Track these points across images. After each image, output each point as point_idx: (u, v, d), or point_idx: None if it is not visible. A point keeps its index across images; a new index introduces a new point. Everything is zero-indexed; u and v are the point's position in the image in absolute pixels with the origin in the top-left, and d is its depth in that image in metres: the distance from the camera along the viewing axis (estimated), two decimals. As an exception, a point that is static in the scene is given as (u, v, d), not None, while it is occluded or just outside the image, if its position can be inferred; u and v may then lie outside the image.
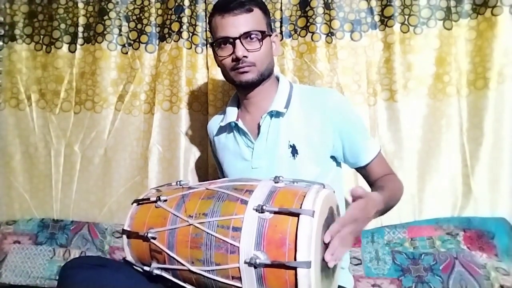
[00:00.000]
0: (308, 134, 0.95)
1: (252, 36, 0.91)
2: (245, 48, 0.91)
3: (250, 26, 0.91)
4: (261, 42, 0.92)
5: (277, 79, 1.04)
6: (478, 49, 1.26)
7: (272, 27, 1.02)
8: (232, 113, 1.04)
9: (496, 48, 1.22)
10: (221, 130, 1.07)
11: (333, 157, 1.00)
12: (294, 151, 0.94)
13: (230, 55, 0.92)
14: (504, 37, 1.22)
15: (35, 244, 1.41)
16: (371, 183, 1.00)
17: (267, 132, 0.97)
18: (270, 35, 0.97)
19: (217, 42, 0.94)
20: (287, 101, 0.98)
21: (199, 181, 1.44)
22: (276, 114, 0.97)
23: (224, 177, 1.09)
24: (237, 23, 0.91)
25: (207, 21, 1.03)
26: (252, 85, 0.97)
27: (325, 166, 0.97)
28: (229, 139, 1.05)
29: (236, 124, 1.01)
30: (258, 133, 0.98)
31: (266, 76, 0.97)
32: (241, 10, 0.90)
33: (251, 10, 0.91)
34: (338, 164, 1.03)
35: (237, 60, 0.91)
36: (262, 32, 0.92)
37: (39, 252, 1.40)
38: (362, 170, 1.01)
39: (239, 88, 1.02)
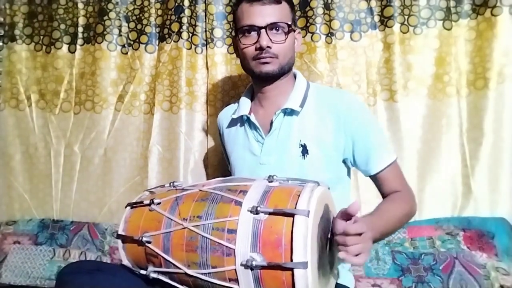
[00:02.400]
0: (320, 135, 0.93)
1: (278, 27, 0.91)
2: (270, 39, 0.90)
3: (278, 17, 0.91)
4: (286, 35, 0.92)
5: (294, 76, 1.03)
6: (478, 49, 1.26)
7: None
8: (245, 105, 1.03)
9: (496, 48, 1.22)
10: (233, 122, 1.07)
11: (345, 163, 0.98)
12: (304, 151, 0.93)
13: (254, 44, 0.92)
14: (504, 37, 1.22)
15: (35, 244, 1.41)
16: (383, 197, 0.96)
17: (279, 129, 0.96)
18: (294, 30, 0.97)
19: (242, 30, 0.93)
20: (303, 99, 0.96)
21: (199, 181, 1.44)
22: (290, 112, 0.96)
23: (231, 170, 1.08)
24: (265, 13, 0.90)
25: (231, 10, 1.03)
26: (271, 78, 0.96)
27: (335, 170, 0.96)
28: (240, 132, 1.04)
29: (248, 118, 1.00)
30: (270, 129, 0.97)
31: (286, 70, 0.96)
32: (270, 1, 0.91)
33: (279, 2, 0.92)
34: (348, 174, 1.01)
35: (260, 49, 0.91)
36: (289, 25, 0.93)
37: (39, 252, 1.40)
38: (374, 180, 0.97)
39: (256, 81, 1.01)
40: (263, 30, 0.90)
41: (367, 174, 0.97)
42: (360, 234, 0.66)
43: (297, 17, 1.38)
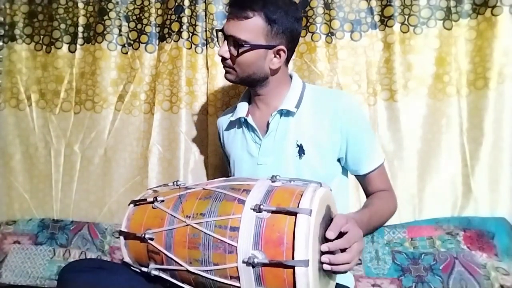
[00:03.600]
0: (316, 135, 0.94)
1: (233, 42, 0.91)
2: (229, 50, 0.92)
3: (237, 32, 0.90)
4: (238, 52, 0.90)
5: (291, 77, 1.03)
6: (478, 49, 1.26)
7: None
8: (242, 108, 1.04)
9: (496, 48, 1.22)
10: (231, 124, 1.08)
11: (339, 161, 0.99)
12: (301, 151, 0.94)
13: None
14: (504, 37, 1.21)
15: (35, 244, 1.41)
16: (367, 195, 1.02)
17: (275, 130, 0.97)
18: (269, 48, 0.91)
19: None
20: (299, 100, 0.97)
21: (199, 181, 1.44)
22: (286, 113, 0.97)
23: (231, 172, 1.09)
24: (231, 23, 0.91)
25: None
26: (242, 84, 1.00)
27: (331, 169, 0.97)
28: (238, 134, 1.06)
29: (245, 120, 1.01)
30: (267, 130, 0.98)
31: (250, 82, 0.97)
32: (238, 15, 0.89)
33: (247, 17, 0.88)
34: (345, 172, 1.03)
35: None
36: (244, 43, 0.89)
37: (39, 252, 1.40)
38: (361, 179, 1.02)
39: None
40: (225, 40, 0.92)
41: (355, 174, 1.00)
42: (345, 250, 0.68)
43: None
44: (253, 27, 0.89)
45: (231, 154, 1.08)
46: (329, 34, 1.35)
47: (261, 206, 0.67)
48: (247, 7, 0.88)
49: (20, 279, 1.36)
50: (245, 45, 0.89)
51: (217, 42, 1.42)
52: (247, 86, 1.05)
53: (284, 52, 0.94)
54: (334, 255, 0.67)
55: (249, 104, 1.06)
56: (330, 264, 0.66)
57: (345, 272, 0.68)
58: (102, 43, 1.49)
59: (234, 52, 0.91)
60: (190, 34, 1.43)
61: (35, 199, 1.53)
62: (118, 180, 1.48)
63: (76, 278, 0.76)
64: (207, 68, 1.44)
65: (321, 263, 0.67)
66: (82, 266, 0.82)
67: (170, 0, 1.45)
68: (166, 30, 1.46)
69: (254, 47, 0.90)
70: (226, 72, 0.97)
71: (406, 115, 1.30)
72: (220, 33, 0.97)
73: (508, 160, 1.23)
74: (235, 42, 0.90)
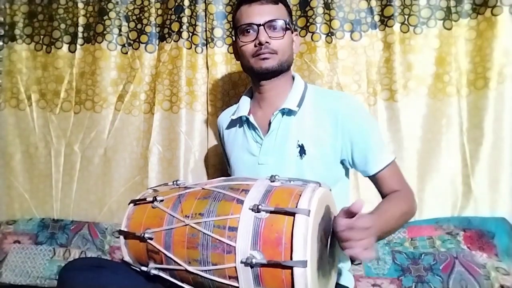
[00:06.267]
0: (318, 136, 0.94)
1: (276, 24, 0.94)
2: (268, 36, 0.93)
3: (275, 15, 0.94)
4: (284, 32, 0.94)
5: (293, 78, 1.04)
6: (478, 49, 1.26)
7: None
8: (244, 107, 1.04)
9: (496, 48, 1.22)
10: (232, 123, 1.08)
11: (343, 164, 0.98)
12: (302, 151, 0.94)
13: (253, 41, 0.94)
14: (504, 37, 1.22)
15: (35, 244, 1.41)
16: (382, 196, 0.96)
17: (277, 129, 0.97)
18: (292, 31, 1.00)
19: (241, 29, 0.96)
20: (300, 100, 0.97)
21: (199, 181, 1.44)
22: (288, 112, 0.97)
23: (231, 171, 1.09)
24: (263, 11, 0.94)
25: (231, 10, 1.07)
26: (270, 74, 0.97)
27: (333, 171, 0.96)
28: (239, 133, 1.05)
29: (247, 119, 1.01)
30: (268, 130, 0.98)
31: (285, 68, 0.97)
32: (268, 2, 0.94)
33: (276, 3, 0.96)
34: (347, 174, 1.02)
35: (259, 45, 0.93)
36: (286, 23, 0.95)
37: (39, 252, 1.40)
38: (373, 180, 0.97)
39: (255, 80, 1.02)
40: (261, 27, 0.92)
41: (366, 175, 0.98)
42: (366, 229, 0.67)
43: (297, 17, 1.38)
44: (282, 11, 0.98)
45: (232, 153, 1.07)
46: (329, 34, 1.35)
47: (260, 206, 0.67)
48: None
49: (20, 279, 1.36)
50: (289, 26, 0.96)
51: (217, 42, 1.43)
52: (260, 81, 0.99)
53: (298, 37, 1.05)
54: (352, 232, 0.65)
55: (250, 103, 1.06)
56: (347, 240, 0.65)
57: (369, 258, 0.66)
58: (102, 43, 1.50)
59: (279, 33, 0.94)
60: (190, 34, 1.43)
61: (35, 198, 1.53)
62: (118, 180, 1.48)
63: (76, 276, 0.77)
64: (207, 68, 1.45)
65: (320, 262, 0.66)
66: (82, 265, 0.83)
67: (170, 0, 1.45)
68: (166, 30, 1.46)
69: (290, 28, 0.98)
70: (265, 59, 0.94)
71: (406, 115, 1.30)
72: (243, 28, 0.95)
73: (508, 160, 1.23)
74: (274, 24, 0.93)
